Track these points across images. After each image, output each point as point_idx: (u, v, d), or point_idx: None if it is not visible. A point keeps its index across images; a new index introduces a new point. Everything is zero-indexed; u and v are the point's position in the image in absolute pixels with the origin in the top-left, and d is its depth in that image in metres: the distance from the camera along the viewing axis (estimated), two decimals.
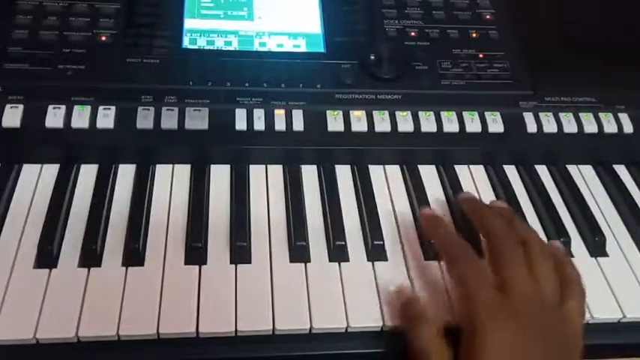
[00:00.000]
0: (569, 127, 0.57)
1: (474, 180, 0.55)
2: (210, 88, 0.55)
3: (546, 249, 0.44)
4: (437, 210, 0.51)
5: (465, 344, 0.39)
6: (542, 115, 0.57)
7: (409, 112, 0.55)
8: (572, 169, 0.57)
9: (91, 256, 0.45)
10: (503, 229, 0.44)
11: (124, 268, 0.45)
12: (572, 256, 0.50)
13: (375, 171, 0.55)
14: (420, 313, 0.42)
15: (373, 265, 0.47)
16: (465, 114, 0.56)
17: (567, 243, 0.50)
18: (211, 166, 0.53)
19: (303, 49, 0.59)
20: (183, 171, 0.53)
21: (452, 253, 0.44)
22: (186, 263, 0.46)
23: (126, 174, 0.52)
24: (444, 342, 0.40)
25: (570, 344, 0.41)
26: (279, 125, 0.53)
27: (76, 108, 0.52)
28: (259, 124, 0.53)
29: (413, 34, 0.61)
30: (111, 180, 0.51)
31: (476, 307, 0.39)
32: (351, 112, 0.55)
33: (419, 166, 0.55)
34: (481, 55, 0.60)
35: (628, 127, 0.57)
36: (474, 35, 0.61)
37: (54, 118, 0.51)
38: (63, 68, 0.54)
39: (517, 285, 0.40)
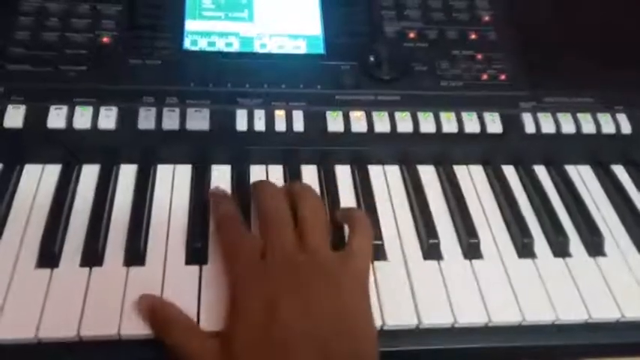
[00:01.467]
0: (568, 127, 0.57)
1: (473, 180, 0.55)
2: (211, 89, 0.55)
3: (312, 203, 0.45)
4: (437, 210, 0.52)
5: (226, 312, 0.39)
6: (540, 115, 0.57)
7: (408, 113, 0.56)
8: (570, 169, 0.57)
9: (92, 256, 0.45)
10: (268, 199, 0.46)
11: (126, 267, 0.45)
12: (570, 255, 0.50)
13: (375, 171, 0.55)
14: (168, 318, 0.41)
15: (373, 264, 0.47)
16: (464, 114, 0.56)
17: (565, 243, 0.50)
18: (212, 166, 0.53)
19: (303, 50, 0.59)
20: (185, 171, 0.53)
21: (225, 226, 0.45)
22: (187, 263, 0.46)
23: (127, 174, 0.52)
24: (205, 338, 0.39)
25: (350, 289, 0.40)
26: (280, 126, 0.54)
27: (78, 109, 0.52)
28: (260, 125, 0.53)
29: (412, 35, 0.61)
30: (112, 180, 0.51)
31: (234, 274, 0.40)
32: (350, 112, 0.55)
33: (418, 166, 0.55)
34: (480, 56, 0.60)
35: (626, 128, 0.58)
36: (473, 36, 0.62)
37: (56, 118, 0.51)
38: (65, 69, 0.54)
39: (275, 246, 0.41)
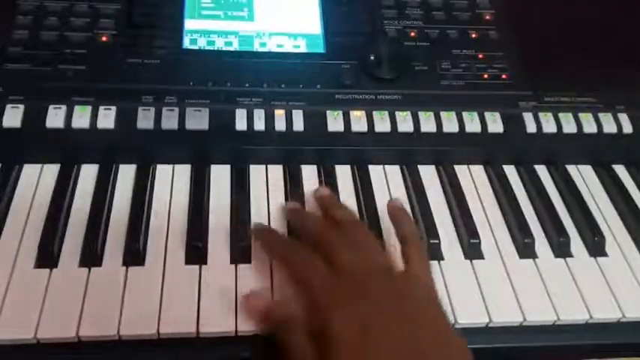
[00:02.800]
0: (569, 127, 0.57)
1: (474, 180, 0.55)
2: (210, 88, 0.55)
3: (358, 225, 0.45)
4: (437, 210, 0.51)
5: (318, 331, 0.38)
6: (541, 115, 0.57)
7: (409, 113, 0.56)
8: (571, 169, 0.57)
9: (91, 256, 0.45)
10: (316, 223, 0.45)
11: (125, 267, 0.45)
12: (571, 255, 0.50)
13: (375, 171, 0.55)
14: (286, 316, 0.40)
15: None
16: (465, 114, 0.56)
17: (567, 243, 0.50)
18: (212, 166, 0.53)
19: (303, 49, 0.59)
20: (184, 171, 0.53)
21: (288, 256, 0.43)
22: (186, 263, 0.46)
23: (126, 174, 0.52)
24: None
25: (421, 297, 0.40)
26: (280, 125, 0.54)
27: (77, 108, 0.52)
28: (259, 125, 0.53)
29: (413, 34, 0.61)
30: (111, 180, 0.51)
31: (314, 295, 0.39)
32: (351, 112, 0.55)
33: (419, 166, 0.55)
34: (481, 56, 0.60)
35: (627, 128, 0.58)
36: (474, 35, 0.62)
37: (55, 118, 0.51)
38: (63, 68, 0.54)
39: (344, 263, 0.40)
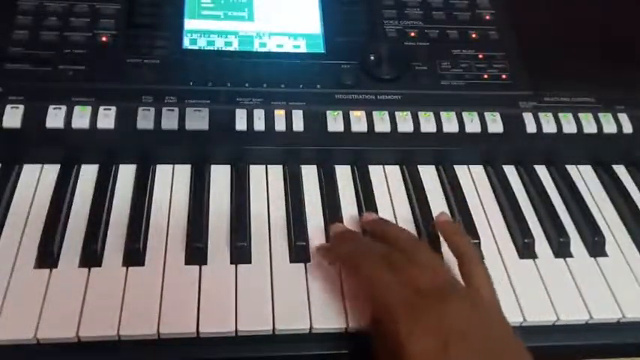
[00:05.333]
0: (569, 127, 0.57)
1: (474, 180, 0.55)
2: (210, 88, 0.55)
3: (422, 245, 0.45)
4: (437, 210, 0.51)
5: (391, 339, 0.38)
6: (541, 115, 0.57)
7: (409, 113, 0.56)
8: (571, 169, 0.57)
9: (91, 256, 0.45)
10: (369, 246, 0.45)
11: (125, 268, 0.45)
12: (572, 256, 0.50)
13: (375, 171, 0.55)
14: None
15: None
16: (465, 114, 0.56)
17: (567, 243, 0.50)
18: (211, 166, 0.53)
19: (303, 49, 0.59)
20: (184, 171, 0.53)
21: (364, 263, 0.43)
22: (186, 263, 0.46)
23: (126, 174, 0.52)
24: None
25: (490, 314, 0.41)
26: (280, 125, 0.54)
27: (77, 108, 0.52)
28: (259, 125, 0.53)
29: (413, 34, 0.61)
30: (111, 180, 0.51)
31: (390, 306, 0.39)
32: (350, 112, 0.55)
33: (419, 166, 0.55)
34: (480, 56, 0.60)
35: (627, 128, 0.58)
36: (474, 36, 0.62)
37: (54, 118, 0.51)
38: (63, 69, 0.54)
39: (420, 282, 0.40)
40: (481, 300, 0.41)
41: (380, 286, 0.40)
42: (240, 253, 0.46)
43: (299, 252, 0.47)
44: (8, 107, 0.51)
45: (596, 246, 0.50)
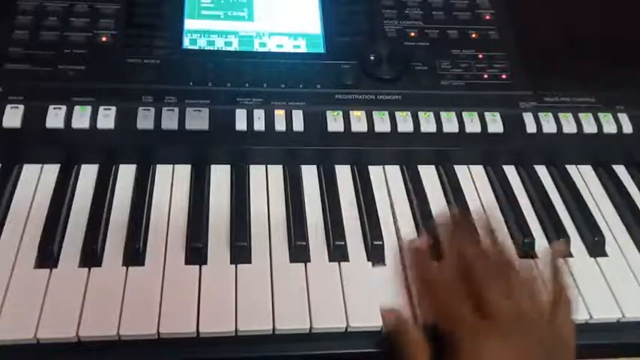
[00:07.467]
0: (569, 127, 0.57)
1: (474, 180, 0.55)
2: (210, 88, 0.55)
3: (524, 271, 0.44)
4: (436, 210, 0.51)
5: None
6: (541, 115, 0.57)
7: (409, 113, 0.56)
8: (571, 169, 0.57)
9: (91, 256, 0.45)
10: (479, 255, 0.44)
11: (125, 268, 0.45)
12: (571, 256, 0.50)
13: (375, 171, 0.55)
14: (399, 325, 0.43)
15: (373, 264, 0.47)
16: (465, 114, 0.56)
17: (566, 243, 0.50)
18: (211, 166, 0.53)
19: (303, 49, 0.59)
20: (184, 171, 0.53)
21: (435, 289, 0.43)
22: (186, 263, 0.46)
23: (126, 174, 0.52)
24: (426, 343, 0.41)
25: (562, 354, 0.40)
26: (279, 125, 0.54)
27: (77, 108, 0.52)
28: (259, 125, 0.53)
29: (413, 34, 0.61)
30: (111, 180, 0.51)
31: (461, 333, 0.39)
32: (351, 112, 0.55)
33: (419, 166, 0.55)
34: (481, 56, 0.60)
35: (627, 128, 0.58)
36: (474, 36, 0.62)
37: (54, 118, 0.51)
38: (63, 69, 0.54)
39: (498, 307, 0.40)
40: (561, 346, 0.41)
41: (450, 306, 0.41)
42: (240, 253, 0.46)
43: (299, 252, 0.47)
44: (8, 107, 0.51)
45: (596, 246, 0.50)
